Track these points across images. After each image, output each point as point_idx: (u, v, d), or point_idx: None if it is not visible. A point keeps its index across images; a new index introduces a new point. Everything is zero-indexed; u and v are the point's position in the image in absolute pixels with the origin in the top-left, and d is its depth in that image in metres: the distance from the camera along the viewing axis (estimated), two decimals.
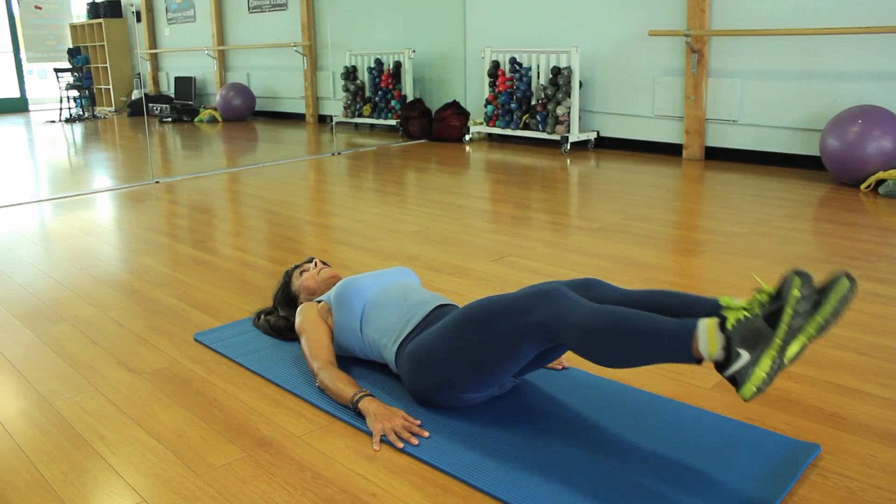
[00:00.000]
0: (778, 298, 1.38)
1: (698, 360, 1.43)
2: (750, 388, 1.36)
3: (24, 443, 1.73)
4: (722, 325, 1.41)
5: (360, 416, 1.75)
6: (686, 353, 1.43)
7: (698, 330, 1.41)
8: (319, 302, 2.09)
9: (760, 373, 1.35)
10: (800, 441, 1.63)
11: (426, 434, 1.68)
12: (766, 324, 1.37)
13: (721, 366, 1.40)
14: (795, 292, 1.35)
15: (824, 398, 1.84)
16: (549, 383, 1.93)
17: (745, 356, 1.37)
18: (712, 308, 1.54)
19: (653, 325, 1.47)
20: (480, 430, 1.71)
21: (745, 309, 1.41)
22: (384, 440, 1.66)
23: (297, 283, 2.29)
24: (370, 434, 1.69)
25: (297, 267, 2.35)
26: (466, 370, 1.70)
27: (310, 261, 2.35)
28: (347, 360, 2.06)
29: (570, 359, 2.09)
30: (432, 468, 1.57)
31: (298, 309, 2.10)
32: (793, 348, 1.36)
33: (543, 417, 1.76)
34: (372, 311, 1.96)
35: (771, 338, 1.36)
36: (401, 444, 1.64)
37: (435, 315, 1.86)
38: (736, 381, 1.38)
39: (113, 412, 1.86)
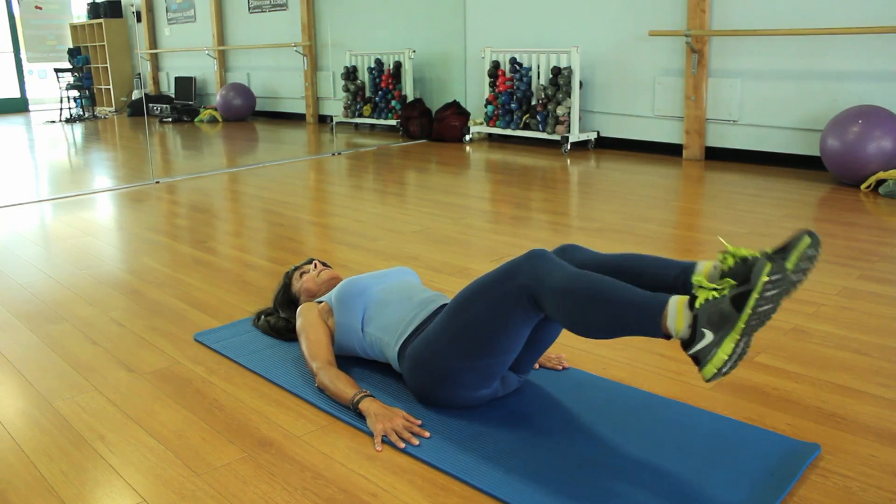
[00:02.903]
0: (747, 280, 1.39)
1: (666, 336, 1.45)
2: (710, 369, 1.39)
3: (24, 443, 1.73)
4: (691, 303, 1.42)
5: (361, 416, 1.75)
6: (655, 327, 1.45)
7: (668, 306, 1.44)
8: (320, 303, 2.09)
9: (722, 355, 1.38)
10: (800, 441, 1.63)
11: (427, 434, 1.68)
12: (732, 306, 1.38)
13: (686, 344, 1.42)
14: (764, 277, 1.36)
15: (824, 398, 1.84)
16: (549, 383, 1.93)
17: (708, 337, 1.39)
18: (685, 279, 1.56)
19: (626, 296, 1.49)
20: (481, 430, 1.71)
21: (715, 289, 1.42)
22: (385, 440, 1.66)
23: (298, 285, 2.29)
24: (370, 434, 1.69)
25: (296, 268, 2.34)
26: (463, 354, 1.69)
27: (309, 262, 2.35)
28: (347, 361, 2.06)
29: (570, 359, 2.09)
30: (432, 468, 1.57)
31: (298, 310, 2.09)
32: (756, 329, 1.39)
33: (543, 417, 1.76)
34: (374, 310, 1.96)
35: (735, 322, 1.38)
36: (402, 445, 1.64)
37: (438, 314, 1.86)
38: (699, 361, 1.41)
39: (113, 412, 1.86)
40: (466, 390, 1.75)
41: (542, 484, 1.49)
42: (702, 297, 1.42)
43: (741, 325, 1.37)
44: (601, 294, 1.51)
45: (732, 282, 1.41)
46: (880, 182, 4.18)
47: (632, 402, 1.83)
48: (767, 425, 1.71)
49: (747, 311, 1.36)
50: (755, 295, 1.36)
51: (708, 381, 1.40)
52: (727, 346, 1.37)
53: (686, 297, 1.44)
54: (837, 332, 2.25)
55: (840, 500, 1.44)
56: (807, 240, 1.44)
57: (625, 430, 1.69)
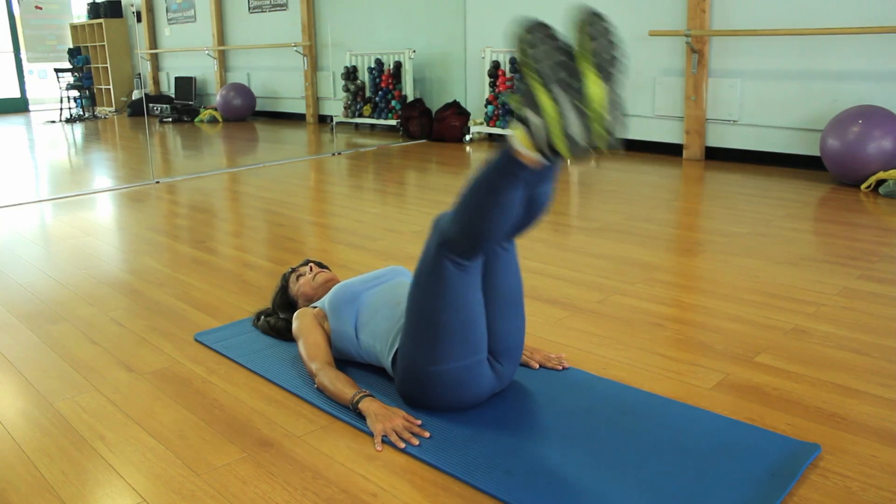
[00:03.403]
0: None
1: (533, 162, 1.49)
2: (558, 140, 1.41)
3: (24, 443, 1.73)
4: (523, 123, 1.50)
5: (361, 416, 1.75)
6: (517, 163, 1.51)
7: (511, 139, 1.51)
8: (315, 307, 2.10)
9: (551, 113, 1.41)
10: (800, 441, 1.63)
11: (427, 434, 1.68)
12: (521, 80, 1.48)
13: (544, 152, 1.46)
14: (523, 34, 1.45)
15: (824, 398, 1.84)
16: (549, 383, 1.93)
17: (529, 113, 1.44)
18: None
19: (485, 168, 1.58)
20: (480, 430, 1.71)
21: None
22: (385, 440, 1.66)
23: (295, 288, 2.29)
24: (370, 434, 1.69)
25: (293, 270, 2.34)
26: (435, 344, 1.69)
27: (305, 264, 2.35)
28: (345, 362, 2.06)
29: (570, 359, 2.09)
30: (432, 468, 1.57)
31: (295, 314, 2.10)
32: (590, 83, 1.41)
33: (543, 417, 1.76)
34: (366, 317, 1.96)
35: (526, 81, 1.44)
36: (402, 445, 1.64)
37: None
38: (553, 147, 1.43)
39: (113, 412, 1.86)
40: (455, 391, 1.74)
41: (542, 484, 1.49)
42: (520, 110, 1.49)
43: (531, 74, 1.42)
44: (470, 187, 1.59)
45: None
46: (880, 182, 4.18)
47: (632, 402, 1.83)
48: (767, 425, 1.71)
49: (525, 61, 1.43)
50: (520, 47, 1.44)
51: (572, 160, 1.42)
52: (544, 103, 1.41)
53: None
54: (837, 332, 2.25)
55: (840, 500, 1.44)
56: (582, 17, 1.47)
57: (625, 430, 1.69)
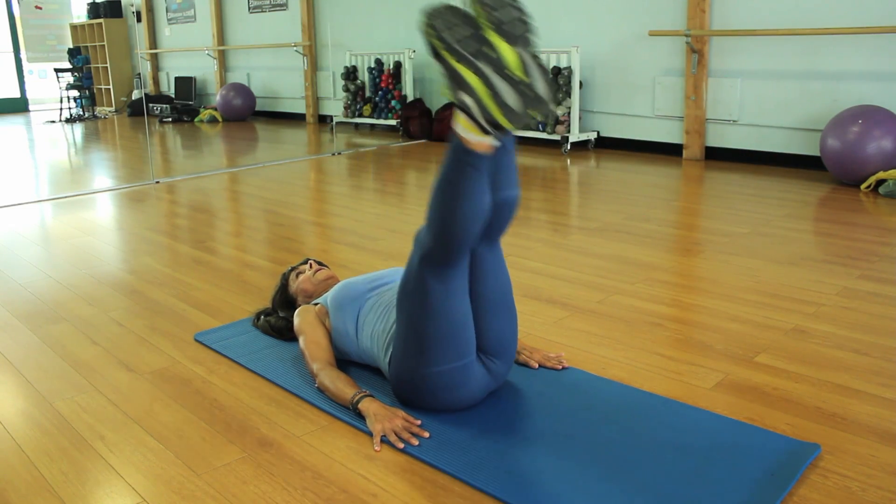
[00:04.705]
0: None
1: (478, 148, 1.52)
2: (495, 112, 1.43)
3: (24, 443, 1.73)
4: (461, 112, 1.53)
5: (360, 416, 1.75)
6: (464, 147, 1.53)
7: (456, 129, 1.53)
8: (317, 304, 2.10)
9: (479, 87, 1.43)
10: (800, 441, 1.63)
11: (426, 434, 1.68)
12: (443, 65, 1.50)
13: (481, 124, 1.48)
14: (427, 21, 1.47)
15: (824, 398, 1.84)
16: (548, 383, 1.93)
17: (461, 94, 1.46)
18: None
19: (442, 166, 1.60)
20: (480, 430, 1.71)
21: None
22: (384, 440, 1.66)
23: (294, 285, 2.29)
24: (370, 434, 1.69)
25: (293, 269, 2.35)
26: (423, 350, 1.69)
27: (305, 262, 2.35)
28: (346, 362, 2.06)
29: (569, 359, 2.09)
30: (432, 468, 1.57)
31: (296, 312, 2.10)
32: (503, 50, 1.43)
33: (543, 417, 1.76)
34: (366, 317, 1.96)
35: (445, 62, 1.46)
36: (401, 445, 1.64)
37: None
38: (496, 124, 1.46)
39: (113, 412, 1.86)
40: (448, 392, 1.74)
41: (542, 484, 1.49)
42: (453, 96, 1.51)
43: (448, 55, 1.46)
44: (434, 192, 1.61)
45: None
46: (880, 182, 4.18)
47: (632, 402, 1.83)
48: (767, 425, 1.71)
49: (437, 45, 1.46)
50: (427, 33, 1.47)
51: (509, 126, 1.44)
52: (470, 79, 1.43)
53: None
54: (837, 332, 2.25)
55: (840, 500, 1.44)
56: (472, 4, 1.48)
57: (625, 429, 1.69)
